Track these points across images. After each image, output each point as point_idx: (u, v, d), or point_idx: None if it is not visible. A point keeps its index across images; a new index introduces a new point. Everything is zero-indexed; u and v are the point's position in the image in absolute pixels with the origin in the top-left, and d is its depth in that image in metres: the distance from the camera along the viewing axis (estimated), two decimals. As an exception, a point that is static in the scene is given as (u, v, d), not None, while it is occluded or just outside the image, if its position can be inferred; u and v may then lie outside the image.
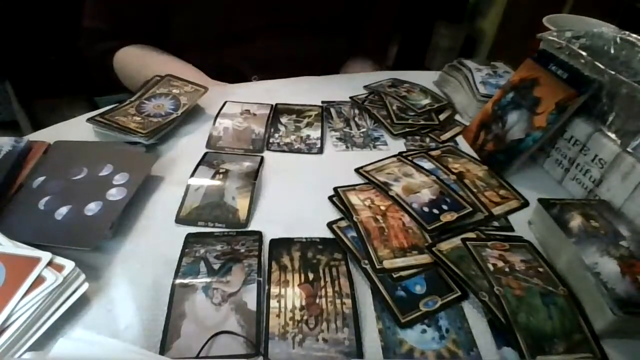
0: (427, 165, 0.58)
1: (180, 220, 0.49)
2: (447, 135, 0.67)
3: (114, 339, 0.34)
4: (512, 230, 0.51)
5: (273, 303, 0.40)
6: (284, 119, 0.68)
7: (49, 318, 0.36)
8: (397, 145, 0.64)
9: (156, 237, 0.47)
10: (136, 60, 0.80)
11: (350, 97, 0.74)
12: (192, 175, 0.54)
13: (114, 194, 0.48)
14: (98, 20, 0.79)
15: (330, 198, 0.53)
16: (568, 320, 0.39)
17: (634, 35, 0.56)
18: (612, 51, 0.56)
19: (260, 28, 0.80)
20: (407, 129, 0.67)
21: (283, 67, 0.83)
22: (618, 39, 0.57)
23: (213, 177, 0.54)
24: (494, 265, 0.43)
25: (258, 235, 0.47)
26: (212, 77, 0.80)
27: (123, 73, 0.81)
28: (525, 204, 0.54)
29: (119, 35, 0.80)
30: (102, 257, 0.44)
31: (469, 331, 0.40)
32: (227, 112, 0.67)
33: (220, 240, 0.46)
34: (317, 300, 0.41)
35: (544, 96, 0.57)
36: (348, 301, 0.41)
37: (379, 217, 0.49)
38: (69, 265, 0.39)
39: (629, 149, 0.49)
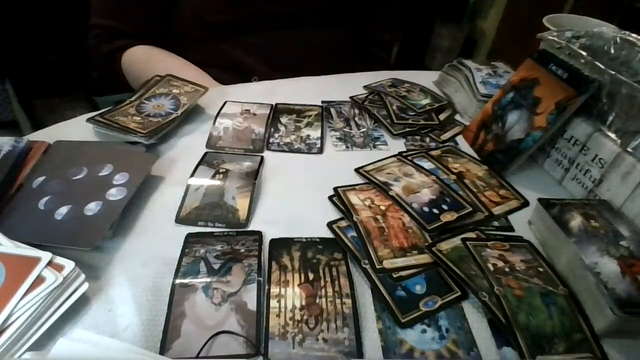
0: (427, 165, 0.58)
1: (180, 220, 0.49)
2: (447, 135, 0.67)
3: (114, 339, 0.34)
4: (512, 230, 0.51)
5: (273, 303, 0.40)
6: (284, 119, 0.68)
7: (49, 318, 0.36)
8: (397, 145, 0.64)
9: (156, 237, 0.47)
10: (143, 60, 0.80)
11: (350, 97, 0.74)
12: (192, 175, 0.54)
13: (114, 194, 0.48)
14: (107, 18, 0.79)
15: (330, 198, 0.53)
16: (568, 320, 0.39)
17: (634, 35, 0.56)
18: (612, 51, 0.56)
19: (264, 19, 0.80)
20: (407, 129, 0.67)
21: (287, 58, 0.83)
22: (618, 39, 0.57)
23: (213, 177, 0.54)
24: (494, 265, 0.43)
25: (258, 235, 0.47)
26: (215, 70, 0.80)
27: (130, 72, 0.81)
28: (525, 204, 0.54)
29: (128, 34, 0.80)
30: (102, 257, 0.44)
31: (469, 331, 0.40)
32: (227, 112, 0.67)
33: (220, 240, 0.46)
34: (317, 300, 0.41)
35: (544, 96, 0.57)
36: (348, 301, 0.41)
37: (379, 217, 0.49)
38: (69, 265, 0.39)
39: (629, 149, 0.49)
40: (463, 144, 0.65)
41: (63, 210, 0.46)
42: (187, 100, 0.65)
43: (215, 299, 0.40)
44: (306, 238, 0.47)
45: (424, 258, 0.45)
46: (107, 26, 0.80)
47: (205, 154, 0.58)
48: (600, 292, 0.38)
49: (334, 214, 0.51)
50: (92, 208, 0.46)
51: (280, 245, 0.46)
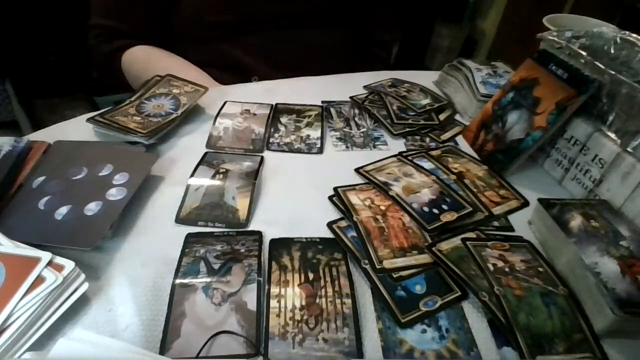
0: (427, 165, 0.58)
1: (180, 220, 0.49)
2: (447, 135, 0.67)
3: (114, 339, 0.34)
4: (512, 230, 0.51)
5: (273, 303, 0.40)
6: (284, 119, 0.68)
7: (49, 318, 0.36)
8: (397, 145, 0.64)
9: (156, 237, 0.47)
10: (143, 60, 0.80)
11: (350, 97, 0.74)
12: (192, 175, 0.54)
13: (114, 194, 0.48)
14: (107, 18, 0.79)
15: (330, 198, 0.53)
16: (568, 320, 0.39)
17: (634, 35, 0.56)
18: (612, 51, 0.56)
19: (264, 19, 0.80)
20: (407, 129, 0.67)
21: (287, 58, 0.83)
22: (618, 39, 0.57)
23: (213, 177, 0.54)
24: (494, 265, 0.43)
25: (258, 235, 0.47)
26: (215, 70, 0.80)
27: (130, 72, 0.81)
28: (525, 204, 0.54)
29: (128, 34, 0.80)
30: (102, 257, 0.44)
31: (469, 331, 0.40)
32: (227, 112, 0.67)
33: (220, 240, 0.46)
34: (317, 300, 0.41)
35: (544, 96, 0.57)
36: (348, 301, 0.41)
37: (379, 217, 0.49)
38: (69, 265, 0.39)
39: (629, 149, 0.49)
40: (463, 144, 0.65)
41: (63, 210, 0.46)
42: (187, 100, 0.65)
43: (215, 299, 0.40)
44: (306, 238, 0.47)
45: (424, 258, 0.45)
46: (107, 26, 0.80)
47: (205, 154, 0.58)
48: (600, 292, 0.38)
49: (334, 214, 0.51)
50: (92, 208, 0.46)
51: (280, 245, 0.46)
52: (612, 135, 0.51)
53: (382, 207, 0.51)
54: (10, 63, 1.56)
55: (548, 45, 0.61)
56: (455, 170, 0.57)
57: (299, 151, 0.62)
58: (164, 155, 0.59)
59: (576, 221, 0.46)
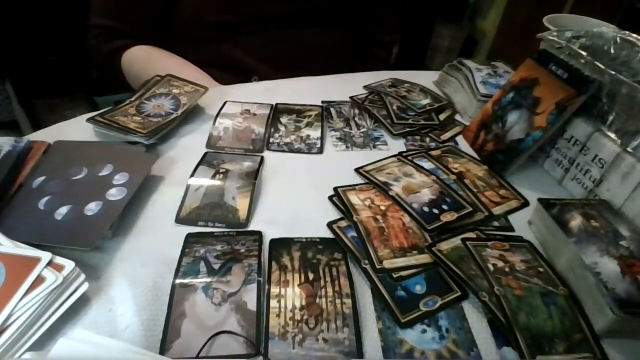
0: (427, 165, 0.58)
1: (180, 220, 0.49)
2: (447, 135, 0.67)
3: (114, 339, 0.34)
4: (512, 230, 0.51)
5: (273, 303, 0.40)
6: (284, 119, 0.68)
7: (49, 318, 0.36)
8: (397, 145, 0.64)
9: (156, 237, 0.47)
10: (143, 60, 0.80)
11: (350, 97, 0.74)
12: (192, 175, 0.54)
13: (114, 194, 0.48)
14: (107, 18, 0.79)
15: (330, 198, 0.53)
16: (568, 320, 0.39)
17: (634, 35, 0.56)
18: (612, 51, 0.56)
19: (264, 19, 0.80)
20: (407, 129, 0.67)
21: (287, 58, 0.83)
22: (618, 39, 0.57)
23: (213, 177, 0.54)
24: (494, 265, 0.43)
25: (258, 235, 0.47)
26: (215, 70, 0.80)
27: (130, 72, 0.81)
28: (525, 203, 0.54)
29: (128, 34, 0.80)
30: (102, 257, 0.44)
31: (469, 331, 0.40)
32: (227, 112, 0.67)
33: (220, 240, 0.46)
34: (317, 300, 0.41)
35: (544, 96, 0.57)
36: (348, 301, 0.41)
37: (379, 217, 0.49)
38: (69, 265, 0.39)
39: (629, 149, 0.49)
40: (463, 144, 0.65)
41: (63, 210, 0.46)
42: (187, 100, 0.65)
43: (215, 299, 0.40)
44: (306, 238, 0.47)
45: (424, 258, 0.45)
46: (107, 26, 0.80)
47: (205, 154, 0.58)
48: (600, 292, 0.38)
49: (334, 214, 0.51)
50: (92, 208, 0.46)
51: (280, 245, 0.46)
52: (612, 135, 0.51)
53: (382, 207, 0.51)
54: (10, 63, 1.56)
55: (548, 45, 0.61)
56: (455, 170, 0.57)
57: (299, 151, 0.62)
58: (164, 155, 0.59)
59: (576, 221, 0.46)
